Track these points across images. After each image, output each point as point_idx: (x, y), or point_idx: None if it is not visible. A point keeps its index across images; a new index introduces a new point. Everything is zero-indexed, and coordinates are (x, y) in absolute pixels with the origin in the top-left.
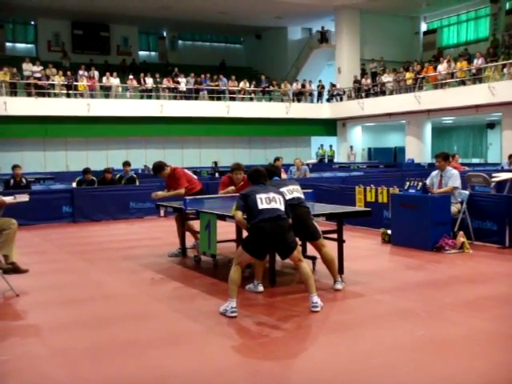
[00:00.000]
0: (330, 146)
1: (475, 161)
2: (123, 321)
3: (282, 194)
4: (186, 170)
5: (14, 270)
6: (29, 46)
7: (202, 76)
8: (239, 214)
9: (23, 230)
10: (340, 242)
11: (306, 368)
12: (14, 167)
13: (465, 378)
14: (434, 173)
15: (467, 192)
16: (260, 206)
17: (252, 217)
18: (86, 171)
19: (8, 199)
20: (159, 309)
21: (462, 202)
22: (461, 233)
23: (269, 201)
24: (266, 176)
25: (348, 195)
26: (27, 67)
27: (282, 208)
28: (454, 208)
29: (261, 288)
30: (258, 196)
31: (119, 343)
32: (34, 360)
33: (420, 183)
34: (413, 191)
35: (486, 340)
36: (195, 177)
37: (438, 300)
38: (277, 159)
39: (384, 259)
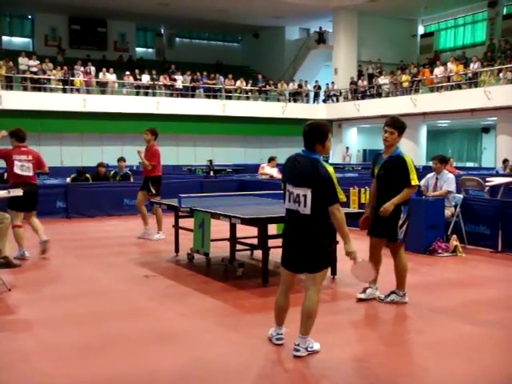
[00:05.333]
0: None
1: (469, 165)
2: (114, 317)
3: None
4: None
5: (7, 264)
6: (25, 40)
7: (199, 74)
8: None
9: None
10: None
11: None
12: None
13: (452, 383)
14: (430, 175)
15: (461, 196)
16: None
17: None
18: (81, 173)
19: (1, 193)
20: (151, 306)
21: (455, 206)
22: (454, 236)
23: None
24: None
25: None
26: (23, 61)
27: None
28: (448, 211)
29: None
30: None
31: (109, 339)
32: (25, 355)
33: None
34: None
35: (475, 344)
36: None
37: (429, 303)
38: (272, 159)
39: None
